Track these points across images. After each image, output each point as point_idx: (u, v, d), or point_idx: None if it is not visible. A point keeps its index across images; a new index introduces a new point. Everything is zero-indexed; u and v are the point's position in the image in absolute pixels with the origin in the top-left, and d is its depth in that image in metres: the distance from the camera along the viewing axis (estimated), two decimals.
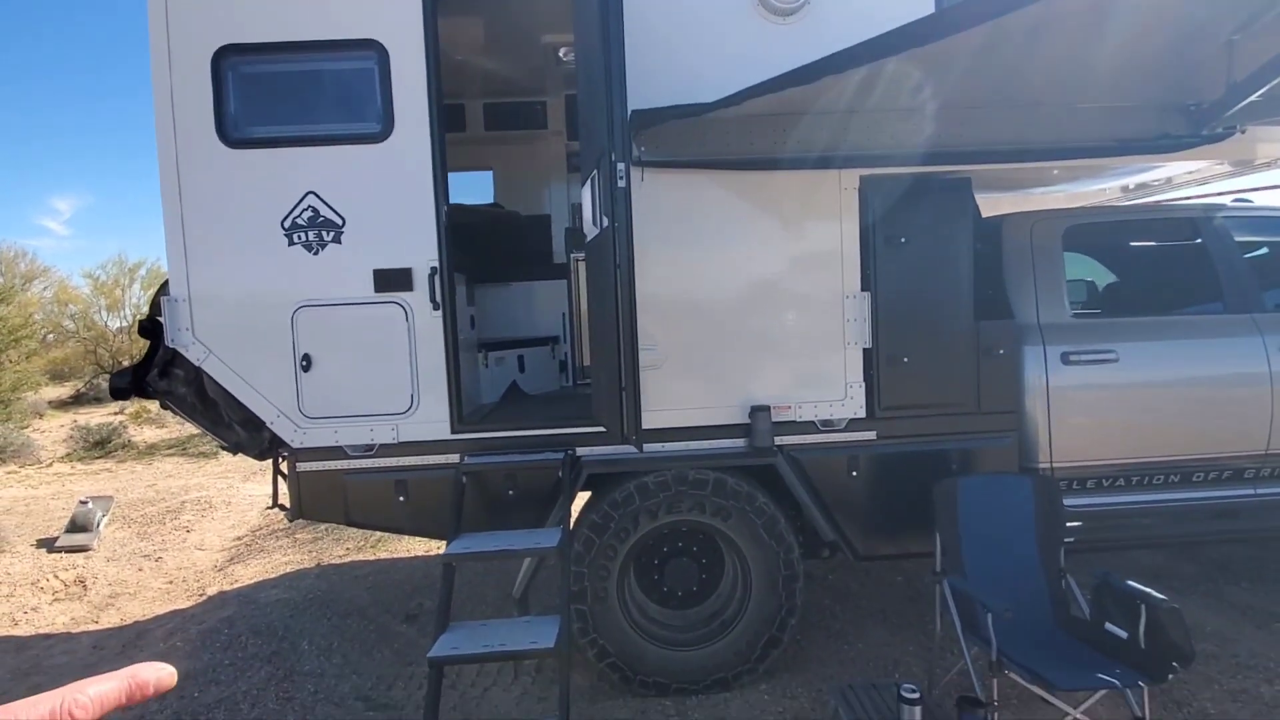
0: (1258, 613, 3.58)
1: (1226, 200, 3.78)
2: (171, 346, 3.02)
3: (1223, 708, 2.83)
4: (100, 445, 10.07)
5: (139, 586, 4.87)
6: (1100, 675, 2.27)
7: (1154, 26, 2.60)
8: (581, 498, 3.19)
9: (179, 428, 10.99)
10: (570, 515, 2.95)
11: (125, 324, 16.23)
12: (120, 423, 11.09)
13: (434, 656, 2.50)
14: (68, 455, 9.93)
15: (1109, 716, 2.58)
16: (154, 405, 10.43)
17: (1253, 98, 2.87)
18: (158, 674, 0.50)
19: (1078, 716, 2.34)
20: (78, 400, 14.93)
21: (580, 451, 3.11)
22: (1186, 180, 4.24)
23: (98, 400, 14.47)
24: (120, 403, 12.52)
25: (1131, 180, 4.39)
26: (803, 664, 3.27)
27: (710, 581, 3.20)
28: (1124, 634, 2.37)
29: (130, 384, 3.26)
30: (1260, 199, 3.91)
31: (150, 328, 3.25)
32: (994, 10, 2.10)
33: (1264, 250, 3.69)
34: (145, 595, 4.71)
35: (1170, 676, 2.22)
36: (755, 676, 3.09)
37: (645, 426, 2.71)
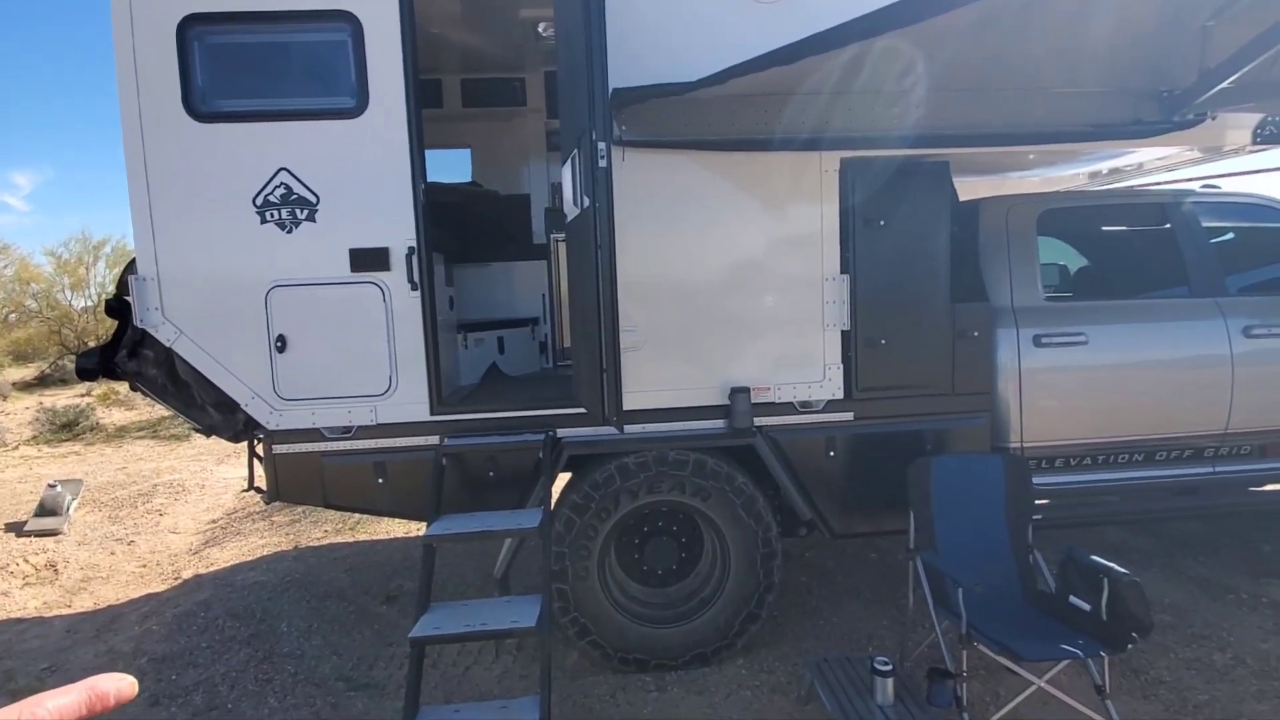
0: (1213, 585, 3.74)
1: (1195, 186, 3.86)
2: (140, 327, 2.95)
3: (1178, 675, 2.96)
4: (68, 428, 9.83)
5: (111, 570, 4.80)
6: (1064, 646, 2.36)
7: (1131, 12, 2.63)
8: (562, 479, 3.21)
9: (149, 409, 10.77)
10: (551, 496, 2.96)
11: (91, 303, 15.77)
12: (88, 404, 10.83)
13: (415, 636, 2.51)
14: (34, 438, 9.68)
15: (1072, 685, 2.68)
16: (123, 387, 10.19)
17: (1224, 84, 2.92)
18: (118, 685, 0.49)
19: (1043, 685, 2.43)
20: (42, 382, 14.52)
21: (561, 433, 3.11)
22: (1157, 166, 4.32)
23: (63, 382, 14.10)
24: (87, 384, 12.22)
25: (1104, 165, 4.46)
26: (780, 639, 3.34)
27: (690, 560, 3.24)
28: (1087, 606, 2.46)
29: (98, 365, 3.18)
30: (1227, 185, 3.99)
31: (118, 307, 3.16)
32: None
33: (1229, 236, 3.78)
34: (118, 579, 4.65)
35: (1129, 646, 2.32)
36: (733, 652, 3.15)
37: (626, 408, 2.71)
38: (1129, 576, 2.35)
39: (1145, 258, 3.77)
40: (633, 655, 3.09)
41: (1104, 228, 4.07)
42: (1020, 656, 2.34)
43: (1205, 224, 3.57)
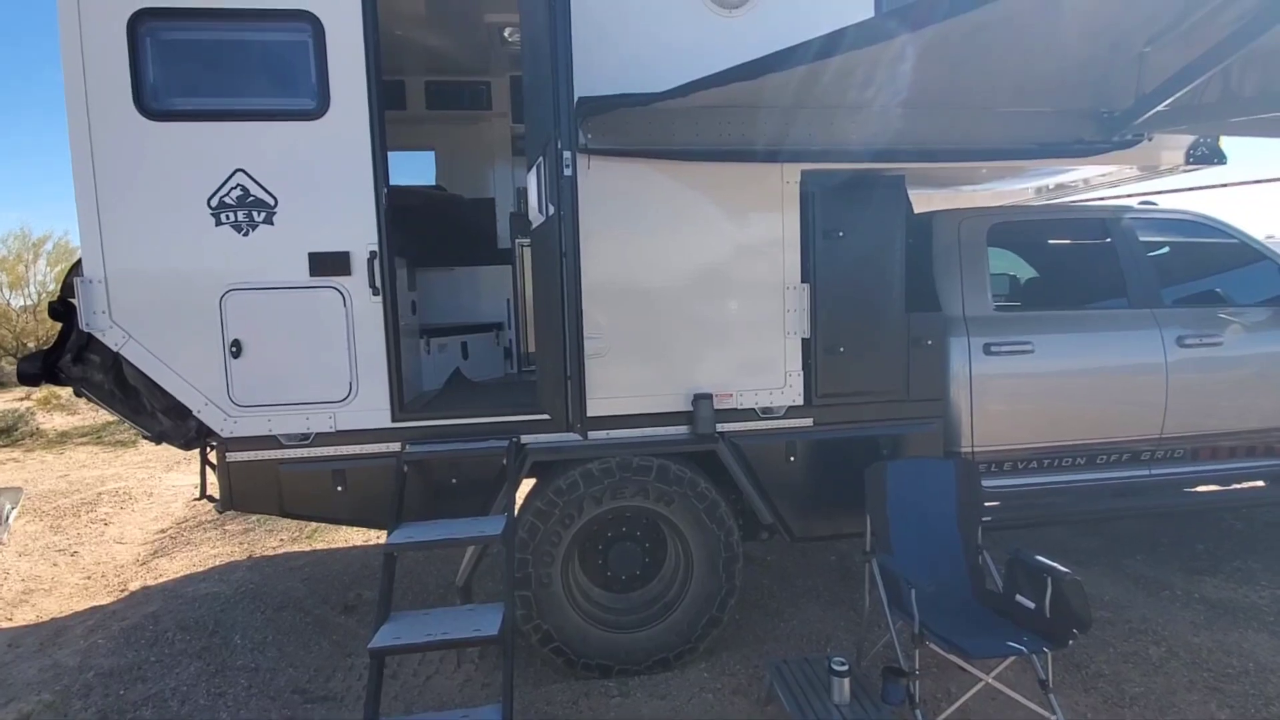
0: (1149, 582, 3.93)
1: (1134, 203, 4.06)
2: (86, 331, 2.85)
3: (1116, 668, 3.10)
4: (5, 433, 9.36)
5: (54, 582, 4.60)
6: (1010, 643, 2.46)
7: (1075, 38, 2.77)
8: (526, 485, 3.20)
9: (93, 414, 10.34)
10: (515, 502, 2.96)
11: (30, 303, 15.07)
12: (27, 409, 10.33)
13: (375, 647, 2.48)
14: None
15: (1018, 680, 2.79)
16: (66, 391, 9.76)
17: (1159, 108, 3.09)
18: None
19: (990, 681, 2.53)
20: None
21: (525, 439, 3.11)
22: (1101, 182, 4.53)
23: (0, 385, 13.43)
24: (27, 388, 11.66)
25: (1051, 181, 4.66)
26: (741, 642, 3.39)
27: (653, 565, 3.27)
28: (1032, 604, 2.57)
29: (40, 369, 3.06)
30: (1164, 202, 4.21)
31: (62, 310, 3.05)
32: (929, 18, 2.19)
33: (1165, 250, 3.99)
34: (62, 591, 4.45)
35: (1070, 642, 2.43)
36: (696, 655, 3.19)
37: (590, 414, 2.73)
38: (1070, 575, 2.46)
39: (1088, 270, 3.95)
40: (596, 661, 3.10)
41: (1050, 241, 4.26)
42: (969, 654, 2.43)
43: (1143, 238, 3.77)
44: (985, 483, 3.22)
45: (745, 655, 3.28)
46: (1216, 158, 3.76)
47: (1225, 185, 4.67)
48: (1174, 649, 3.24)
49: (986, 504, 3.16)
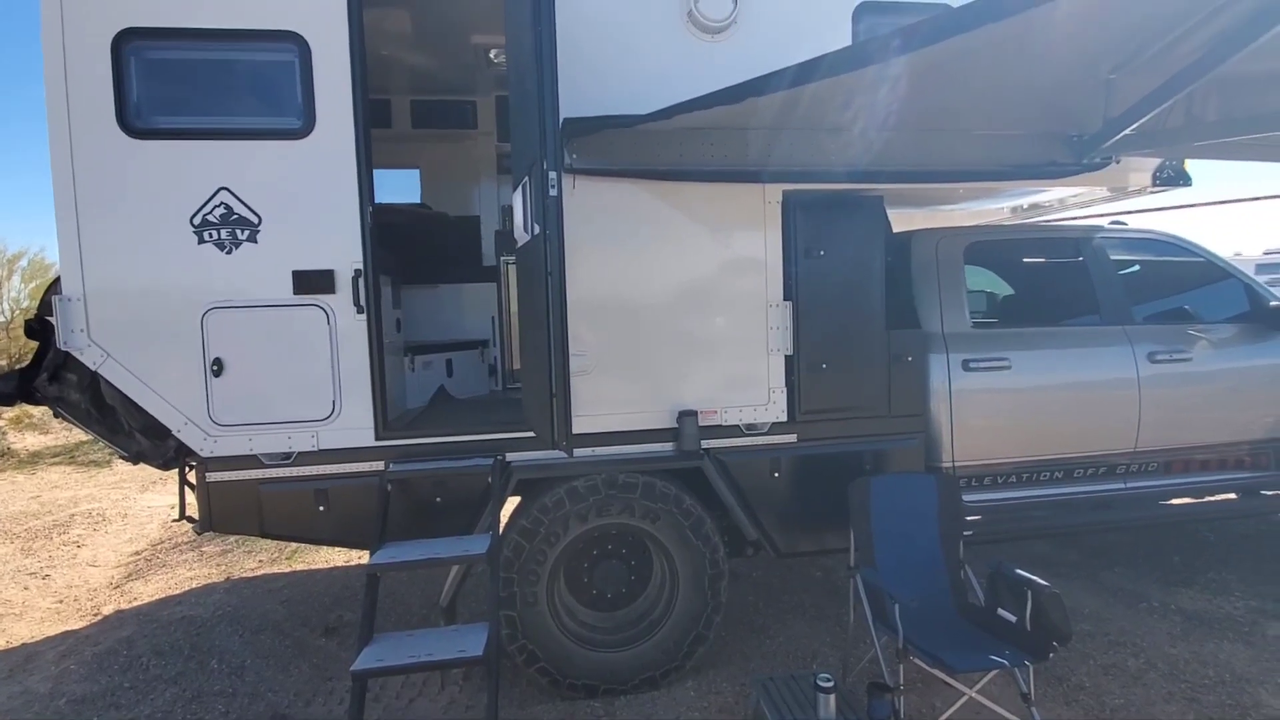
0: (1128, 594, 3.99)
1: (1105, 222, 4.18)
2: (64, 349, 2.81)
3: (1096, 680, 3.14)
4: None
5: (25, 606, 4.47)
6: (992, 656, 2.48)
7: (1046, 64, 2.86)
8: (510, 504, 3.19)
9: (66, 434, 10.11)
10: (500, 521, 2.94)
11: (4, 319, 14.75)
12: None
13: (357, 670, 2.44)
14: None
15: (1001, 694, 2.81)
16: (37, 410, 9.52)
17: (1126, 132, 3.20)
18: None
19: (974, 696, 2.55)
20: None
21: (510, 457, 3.10)
22: (1073, 202, 4.66)
23: None
24: (1, 408, 11.37)
25: (1026, 200, 4.78)
26: (727, 659, 3.38)
27: (639, 583, 3.26)
28: (1013, 618, 2.60)
29: (15, 389, 3.02)
30: (1133, 221, 4.34)
31: (39, 328, 3.01)
32: (905, 46, 2.26)
33: (1135, 268, 4.11)
34: (32, 616, 4.33)
35: (1051, 655, 2.46)
36: (682, 674, 3.18)
37: (575, 431, 2.74)
38: (1050, 589, 2.50)
39: (1062, 288, 4.05)
40: (581, 681, 3.07)
41: (1025, 259, 4.36)
42: (952, 668, 2.44)
43: (1114, 257, 3.87)
44: (966, 497, 3.26)
45: (732, 673, 3.27)
46: (1182, 180, 3.88)
47: (1191, 205, 4.83)
48: (1152, 660, 3.29)
49: (968, 518, 3.20)
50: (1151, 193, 4.05)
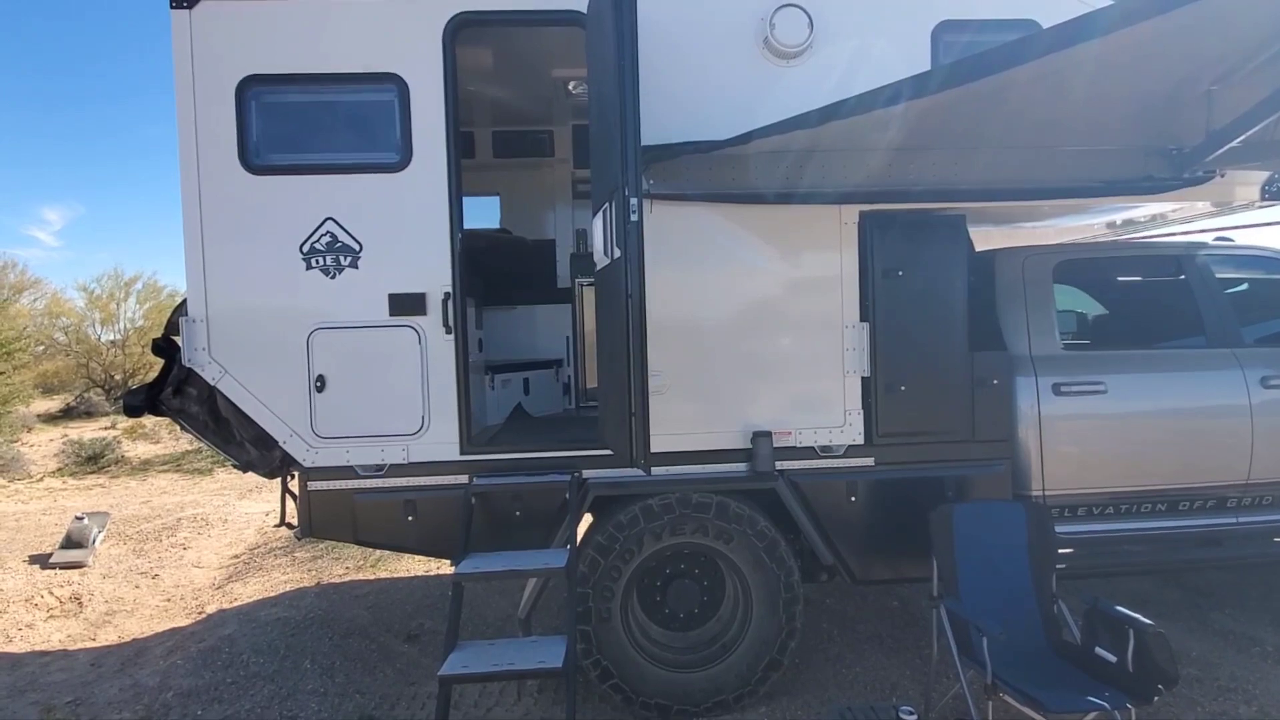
0: (1238, 638, 3.68)
1: (1208, 238, 3.94)
2: (187, 365, 3.08)
3: None
4: (93, 460, 10.00)
5: (136, 604, 4.86)
6: (1090, 698, 2.35)
7: (1139, 79, 2.76)
8: (584, 521, 3.26)
9: (174, 443, 10.95)
10: (576, 536, 3.01)
11: (118, 337, 16.17)
12: (114, 438, 11.02)
13: (445, 674, 2.54)
14: (59, 470, 9.86)
15: None
16: (150, 420, 10.34)
17: (1232, 144, 3.03)
18: None
19: None
20: (67, 414, 14.81)
21: (586, 474, 3.18)
22: (1174, 218, 4.41)
23: (88, 414, 14.38)
24: (113, 418, 12.45)
25: (1119, 217, 4.56)
26: (802, 687, 3.32)
27: (711, 604, 3.26)
28: (1113, 658, 2.46)
29: (144, 402, 3.31)
30: (1240, 237, 4.07)
31: (165, 346, 3.31)
32: (994, 66, 2.24)
33: (1244, 286, 3.84)
34: (143, 613, 4.70)
35: (1155, 699, 2.31)
36: (755, 699, 3.14)
37: (652, 450, 2.78)
38: (1154, 628, 2.35)
39: (1162, 308, 3.83)
40: (654, 700, 3.08)
41: (1120, 278, 4.14)
42: (1046, 708, 2.33)
43: (1219, 275, 3.64)
44: (1058, 528, 3.11)
45: (806, 701, 3.21)
46: None
47: None
48: (1266, 709, 3.03)
49: (1060, 550, 3.05)
50: (1260, 207, 3.80)
